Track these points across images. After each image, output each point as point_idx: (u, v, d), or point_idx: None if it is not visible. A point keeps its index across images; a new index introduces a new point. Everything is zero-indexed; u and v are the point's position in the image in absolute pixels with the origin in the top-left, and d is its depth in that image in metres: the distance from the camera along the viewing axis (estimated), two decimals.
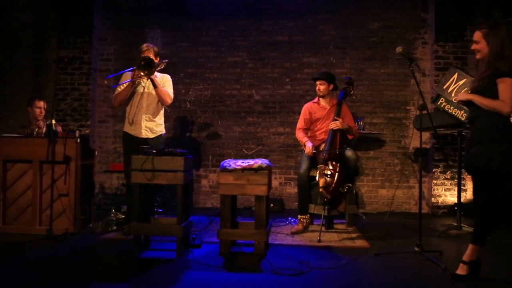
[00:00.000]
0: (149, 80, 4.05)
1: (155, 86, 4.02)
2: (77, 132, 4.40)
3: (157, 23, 6.17)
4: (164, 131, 4.31)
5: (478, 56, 2.95)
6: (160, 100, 4.13)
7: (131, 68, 4.03)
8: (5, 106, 6.17)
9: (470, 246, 2.83)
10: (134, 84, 4.05)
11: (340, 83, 5.43)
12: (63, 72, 5.93)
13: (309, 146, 4.31)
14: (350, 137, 4.53)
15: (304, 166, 4.31)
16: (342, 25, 5.96)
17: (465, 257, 2.84)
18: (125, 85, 4.05)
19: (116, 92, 4.12)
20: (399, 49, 3.50)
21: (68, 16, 5.99)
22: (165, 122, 4.41)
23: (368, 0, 5.93)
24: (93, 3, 6.02)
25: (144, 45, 4.17)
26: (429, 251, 3.39)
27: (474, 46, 2.94)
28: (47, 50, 6.14)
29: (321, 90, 4.47)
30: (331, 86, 4.49)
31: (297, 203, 5.77)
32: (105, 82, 4.11)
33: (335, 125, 4.26)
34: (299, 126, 4.58)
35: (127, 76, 4.10)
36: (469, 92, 2.95)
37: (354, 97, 4.58)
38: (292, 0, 6.04)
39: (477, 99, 2.81)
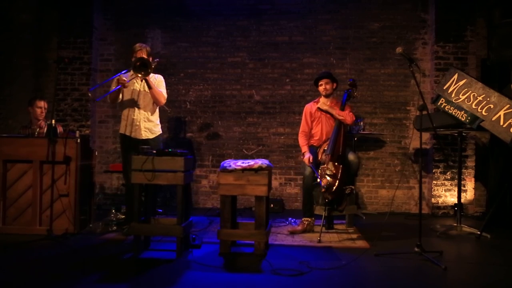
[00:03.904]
0: (143, 81, 4.05)
1: (150, 87, 4.02)
2: (77, 132, 4.40)
3: (157, 23, 6.18)
4: (161, 131, 4.30)
5: None
6: (155, 100, 4.13)
7: (125, 71, 4.03)
8: (5, 106, 6.16)
9: None
10: (124, 87, 4.05)
11: (341, 84, 5.44)
12: (63, 73, 5.93)
13: (307, 158, 4.32)
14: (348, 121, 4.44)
15: (309, 168, 4.31)
16: (342, 25, 5.97)
17: None
18: (113, 86, 4.06)
19: (108, 93, 4.13)
20: (399, 49, 3.50)
21: (68, 17, 5.99)
22: (161, 122, 4.40)
23: (368, 1, 5.93)
24: (93, 4, 6.03)
25: (137, 45, 4.16)
26: (429, 252, 3.39)
27: None
28: (47, 50, 6.14)
29: (327, 88, 4.47)
30: (334, 85, 4.51)
31: (297, 204, 5.81)
32: (89, 95, 4.11)
33: (321, 105, 4.44)
34: (301, 130, 4.59)
35: (119, 78, 4.10)
36: None
37: (355, 95, 4.58)
38: (292, 0, 6.04)
39: None
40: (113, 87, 4.06)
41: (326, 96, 4.51)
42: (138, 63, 3.88)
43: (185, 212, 3.45)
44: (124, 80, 3.95)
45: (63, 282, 2.81)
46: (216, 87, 6.11)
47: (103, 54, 6.23)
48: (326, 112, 4.43)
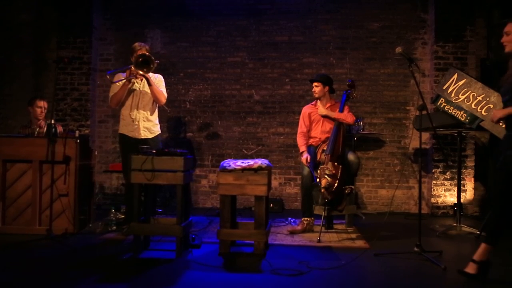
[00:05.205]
0: (143, 80, 4.03)
1: (150, 84, 4.00)
2: (77, 132, 4.39)
3: (157, 23, 6.17)
4: (160, 131, 4.29)
5: (506, 49, 2.84)
6: (155, 99, 4.12)
7: (129, 66, 4.01)
8: (5, 106, 6.16)
9: (483, 246, 2.80)
10: (130, 82, 4.03)
11: (340, 84, 5.45)
12: (63, 72, 5.93)
13: (305, 158, 4.33)
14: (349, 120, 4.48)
15: (307, 168, 4.31)
16: (342, 25, 5.96)
17: (476, 257, 2.82)
18: (120, 84, 4.01)
19: (112, 94, 4.08)
20: (398, 49, 3.49)
21: (67, 16, 5.99)
22: (161, 122, 4.39)
23: (368, 1, 5.93)
24: (92, 3, 6.02)
25: (136, 44, 4.13)
26: (429, 252, 3.39)
27: (504, 38, 2.83)
28: (47, 50, 6.14)
29: (316, 91, 4.51)
30: (326, 88, 4.51)
31: (297, 203, 5.81)
32: (108, 77, 4.08)
33: (320, 111, 4.44)
34: (299, 130, 4.61)
35: (120, 76, 4.08)
36: (504, 90, 2.87)
37: (354, 96, 4.59)
38: (292, 0, 6.04)
39: None
40: (119, 83, 4.01)
41: (316, 98, 4.55)
42: (140, 59, 3.87)
43: (184, 212, 3.45)
44: (136, 71, 3.90)
45: (63, 282, 2.81)
46: (216, 87, 6.11)
47: (103, 54, 6.22)
48: (326, 117, 4.44)
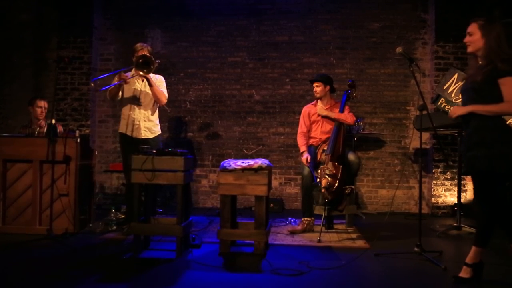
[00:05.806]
0: (144, 80, 4.04)
1: (151, 85, 4.01)
2: (77, 132, 4.39)
3: (157, 23, 6.17)
4: (160, 131, 4.30)
5: (469, 49, 2.80)
6: (156, 99, 4.13)
7: (124, 68, 4.01)
8: (5, 106, 6.16)
9: (473, 249, 2.80)
10: (126, 83, 4.03)
11: (341, 84, 5.45)
12: (63, 72, 5.93)
13: (305, 158, 4.33)
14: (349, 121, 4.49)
15: (307, 168, 4.31)
16: (342, 25, 5.96)
17: (468, 260, 2.81)
18: (116, 83, 4.03)
19: (109, 88, 4.09)
20: (399, 49, 3.49)
21: (68, 16, 6.00)
22: (161, 122, 4.40)
23: (368, 1, 5.93)
24: (93, 3, 6.03)
25: (138, 44, 4.15)
26: (429, 252, 3.39)
27: (467, 38, 2.78)
28: (47, 50, 6.14)
29: (317, 91, 4.51)
30: (327, 88, 4.51)
31: (297, 203, 5.81)
32: (92, 84, 4.11)
33: (320, 112, 4.44)
34: (300, 130, 4.61)
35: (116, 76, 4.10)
36: (463, 89, 2.89)
37: (354, 96, 4.59)
38: (292, 0, 6.04)
39: (480, 108, 2.69)
40: (114, 82, 4.05)
41: (318, 98, 4.55)
42: (141, 60, 3.88)
43: (185, 211, 3.45)
44: (126, 76, 3.96)
45: (63, 282, 2.81)
46: (216, 87, 6.11)
47: (103, 53, 6.23)
48: (327, 117, 4.44)
